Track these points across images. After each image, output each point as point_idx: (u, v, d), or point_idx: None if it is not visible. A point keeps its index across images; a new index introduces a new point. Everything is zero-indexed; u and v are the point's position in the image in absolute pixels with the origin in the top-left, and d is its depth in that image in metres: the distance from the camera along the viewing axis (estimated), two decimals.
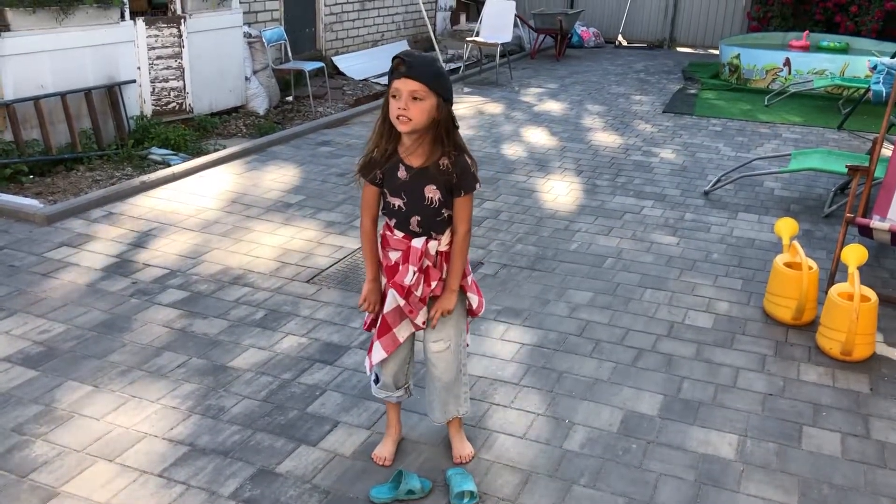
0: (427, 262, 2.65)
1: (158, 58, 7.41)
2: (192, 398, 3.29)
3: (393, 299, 2.69)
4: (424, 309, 2.72)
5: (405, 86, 2.39)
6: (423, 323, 2.74)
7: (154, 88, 7.44)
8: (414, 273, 2.63)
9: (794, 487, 2.89)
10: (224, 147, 7.13)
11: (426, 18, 11.47)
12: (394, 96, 2.43)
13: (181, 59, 7.60)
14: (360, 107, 8.85)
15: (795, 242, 4.22)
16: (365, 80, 10.60)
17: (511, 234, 5.26)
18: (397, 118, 2.43)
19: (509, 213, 5.64)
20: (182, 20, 7.50)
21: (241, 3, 8.44)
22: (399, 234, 2.65)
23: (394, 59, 2.42)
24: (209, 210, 5.46)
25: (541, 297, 4.35)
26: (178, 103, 7.69)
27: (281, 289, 4.32)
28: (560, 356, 3.74)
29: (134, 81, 7.21)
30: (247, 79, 8.54)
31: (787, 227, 4.36)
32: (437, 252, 2.66)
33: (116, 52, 7.02)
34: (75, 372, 3.45)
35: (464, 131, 7.91)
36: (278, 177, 6.29)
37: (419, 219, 2.61)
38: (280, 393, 3.35)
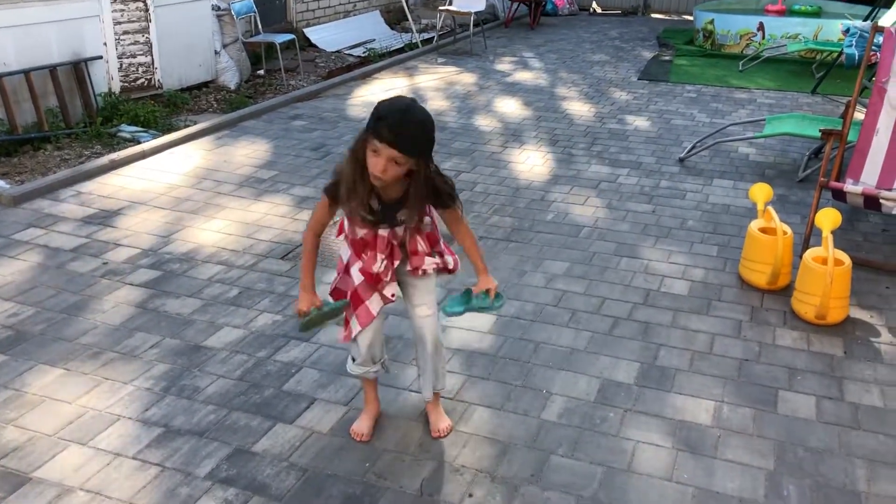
0: (393, 242, 2.65)
1: (125, 33, 7.25)
2: (166, 379, 3.25)
3: (357, 275, 2.69)
4: (394, 282, 2.73)
5: (388, 151, 2.33)
6: (393, 295, 2.73)
7: (122, 64, 7.28)
8: (382, 261, 2.63)
9: (770, 451, 2.91)
10: (195, 123, 7.01)
11: None
12: (374, 151, 2.35)
13: (148, 33, 7.44)
14: (332, 79, 8.73)
15: (770, 208, 4.22)
16: (337, 51, 10.46)
17: (487, 205, 5.22)
18: (376, 176, 2.39)
19: (485, 185, 5.61)
20: None
21: None
22: (362, 231, 2.63)
23: (379, 112, 2.33)
24: (180, 187, 5.37)
25: (518, 269, 4.33)
26: (146, 79, 7.55)
27: (254, 266, 4.27)
28: (537, 327, 3.73)
29: (101, 58, 7.05)
30: (216, 53, 8.39)
31: (761, 192, 4.36)
32: (405, 229, 2.64)
33: (81, 27, 6.85)
34: (46, 355, 3.39)
35: (438, 103, 7.87)
36: (250, 152, 6.20)
37: (389, 228, 2.62)
38: (255, 371, 3.32)
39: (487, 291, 2.74)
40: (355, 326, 2.75)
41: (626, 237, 4.76)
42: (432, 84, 8.69)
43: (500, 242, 4.65)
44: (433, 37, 10.98)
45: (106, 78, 7.16)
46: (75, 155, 6.19)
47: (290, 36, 9.15)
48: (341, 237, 2.78)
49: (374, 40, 10.97)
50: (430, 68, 9.47)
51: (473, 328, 3.70)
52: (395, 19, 12.25)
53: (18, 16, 6.28)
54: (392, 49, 10.55)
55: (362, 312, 2.73)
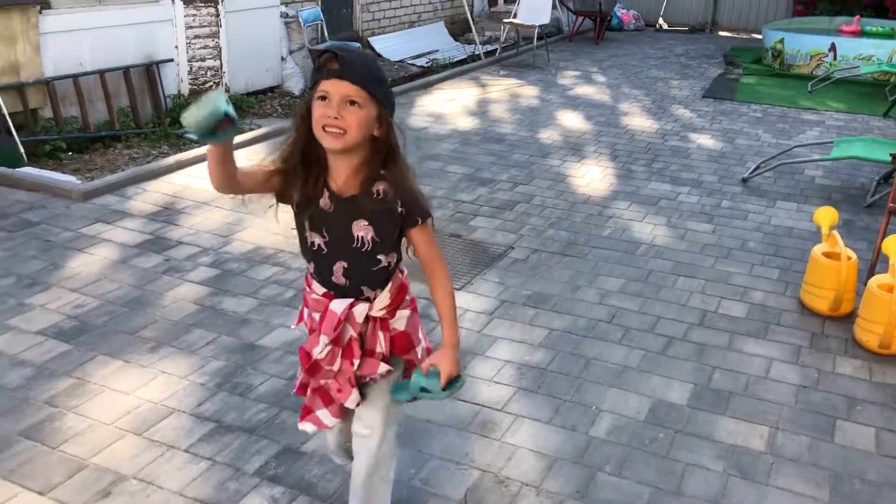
0: (351, 333, 2.05)
1: (196, 37, 7.45)
2: (220, 375, 3.31)
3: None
4: (355, 391, 2.11)
5: (337, 88, 1.83)
6: (358, 405, 2.14)
7: (191, 67, 7.48)
8: (326, 346, 2.03)
9: (826, 481, 2.82)
10: (259, 126, 7.16)
11: None
12: (321, 98, 1.86)
13: (218, 38, 7.64)
14: (394, 88, 8.81)
15: (835, 232, 4.11)
16: (400, 61, 10.56)
17: (543, 218, 5.20)
18: (324, 128, 1.86)
19: (542, 198, 5.59)
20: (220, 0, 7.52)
21: None
22: (319, 290, 2.06)
23: (321, 52, 1.88)
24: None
25: (571, 283, 4.30)
26: (214, 83, 7.73)
27: None
28: (589, 342, 3.70)
29: (172, 60, 7.26)
30: (283, 59, 8.56)
31: (826, 216, 4.25)
32: (367, 318, 2.05)
33: (155, 30, 7.06)
34: (107, 346, 3.49)
35: (498, 114, 7.89)
36: None
37: (345, 265, 2.01)
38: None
39: (438, 372, 1.99)
40: (307, 425, 2.26)
41: (684, 256, 4.69)
42: (494, 96, 8.71)
43: (554, 256, 4.63)
44: (496, 49, 11.01)
45: (176, 80, 7.37)
46: (143, 154, 6.37)
47: (356, 44, 9.28)
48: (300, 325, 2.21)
49: (437, 51, 11.05)
50: (492, 80, 9.50)
51: (525, 340, 3.69)
52: (459, 31, 12.32)
53: (96, 18, 6.51)
54: (455, 60, 10.61)
55: (312, 417, 2.23)
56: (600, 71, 10.34)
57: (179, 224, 4.86)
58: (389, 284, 2.07)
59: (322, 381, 2.13)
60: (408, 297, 2.16)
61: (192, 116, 1.71)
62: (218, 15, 7.56)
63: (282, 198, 2.02)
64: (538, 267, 4.49)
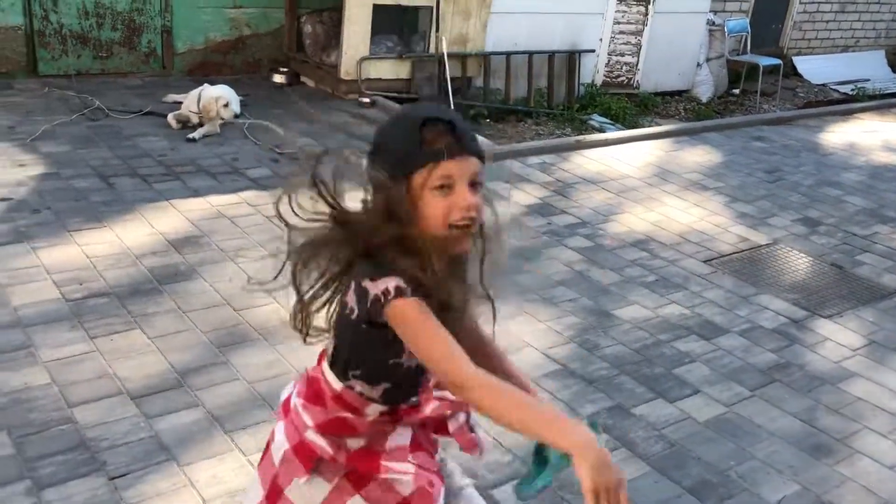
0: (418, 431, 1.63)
1: (620, 32, 7.88)
2: (574, 329, 3.65)
3: None
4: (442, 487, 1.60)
5: (464, 168, 1.42)
6: None
7: (609, 60, 7.94)
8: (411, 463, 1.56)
9: None
10: (658, 125, 7.38)
11: None
12: (441, 186, 1.40)
13: (641, 36, 7.98)
14: (808, 109, 8.42)
15: None
16: (823, 84, 9.98)
17: None
18: (459, 226, 1.42)
19: None
20: (651, 0, 7.84)
21: None
22: (374, 414, 1.56)
23: (426, 121, 1.41)
24: (630, 177, 5.77)
25: None
26: (627, 78, 8.12)
27: (676, 262, 4.48)
28: None
29: (594, 51, 7.78)
30: (698, 65, 8.65)
31: None
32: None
33: (584, 22, 7.63)
34: None
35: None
36: (703, 161, 6.37)
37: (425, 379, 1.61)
38: (652, 349, 3.56)
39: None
40: None
41: None
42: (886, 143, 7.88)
43: None
44: None
45: (592, 71, 7.88)
46: (548, 132, 6.98)
47: (777, 61, 9.01)
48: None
49: (868, 80, 10.22)
50: (882, 120, 8.58)
51: (887, 385, 3.47)
52: None
53: (537, 4, 7.23)
54: (886, 92, 9.73)
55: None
56: None
57: (567, 196, 5.30)
58: None
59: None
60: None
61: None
62: (647, 14, 7.89)
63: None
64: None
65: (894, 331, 3.96)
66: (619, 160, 6.15)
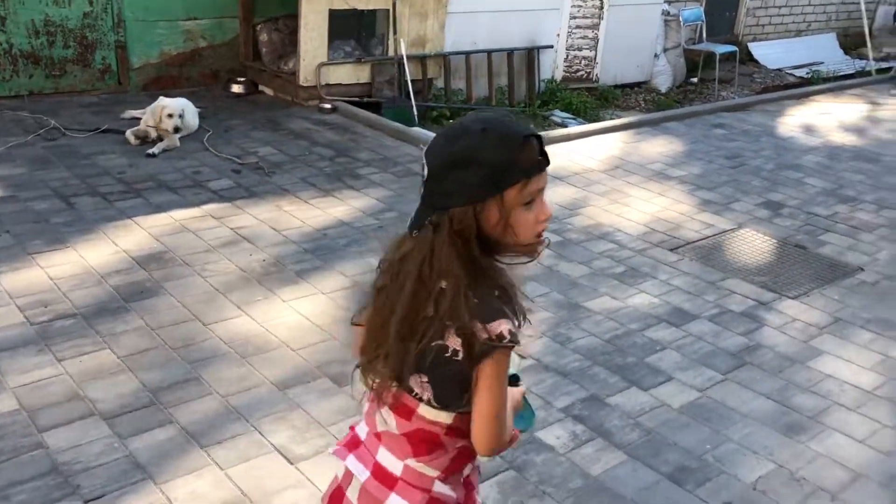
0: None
1: (577, 27, 7.93)
2: (546, 324, 3.67)
3: None
4: None
5: (546, 180, 1.41)
6: None
7: (567, 55, 7.99)
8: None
9: None
10: (619, 117, 7.44)
11: (864, 10, 10.51)
12: (528, 203, 1.37)
13: (597, 30, 8.04)
14: (765, 95, 8.54)
15: None
16: (779, 69, 10.13)
17: None
18: (539, 237, 1.43)
19: None
20: None
21: None
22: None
23: (524, 138, 1.35)
24: (594, 171, 5.82)
25: None
26: (586, 72, 8.17)
27: (644, 251, 4.52)
28: None
29: (551, 47, 7.82)
30: (655, 56, 8.73)
31: None
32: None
33: (541, 17, 7.67)
34: None
35: (874, 133, 7.36)
36: (665, 150, 6.43)
37: None
38: (624, 339, 3.59)
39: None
40: None
41: None
42: (878, 115, 8.03)
43: None
44: (891, 67, 10.05)
45: (551, 66, 7.93)
46: None
47: (733, 48, 9.13)
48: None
49: (821, 63, 10.39)
50: (878, 98, 8.74)
51: (854, 361, 3.53)
52: (851, 44, 11.41)
53: (492, 2, 7.25)
54: (840, 74, 9.91)
55: None
56: None
57: None
58: None
59: None
60: None
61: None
62: (602, 7, 7.96)
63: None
64: (888, 294, 4.20)
65: (859, 307, 4.04)
66: (582, 154, 6.19)
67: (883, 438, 3.01)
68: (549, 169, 1.40)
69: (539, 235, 1.41)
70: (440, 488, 1.49)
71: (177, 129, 5.40)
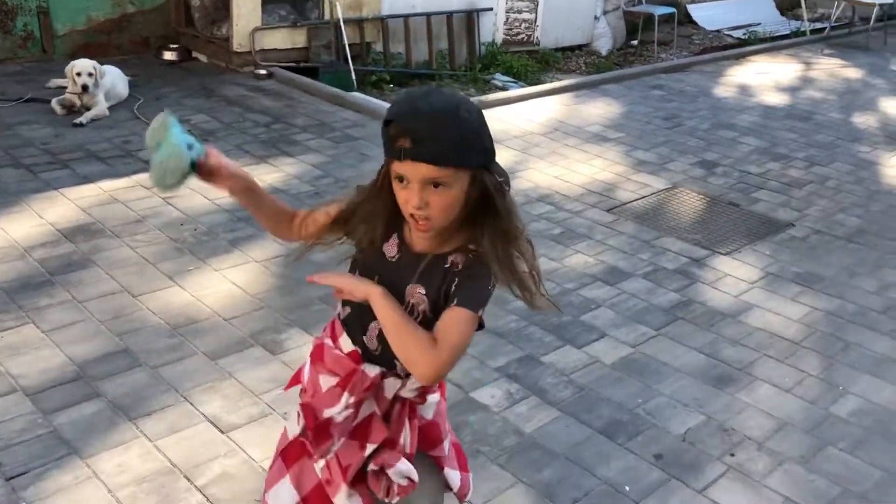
0: (374, 409, 1.63)
1: None
2: None
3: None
4: (344, 489, 1.63)
5: (416, 171, 1.42)
6: None
7: (507, 18, 7.94)
8: (346, 407, 1.59)
9: None
10: (560, 80, 7.44)
11: None
12: (399, 179, 1.46)
13: None
14: (703, 56, 8.63)
15: None
16: (717, 31, 10.23)
17: (835, 202, 4.92)
18: (411, 216, 1.47)
19: (838, 181, 5.26)
20: None
21: None
22: (347, 347, 1.64)
23: (386, 121, 1.43)
24: (533, 134, 5.82)
25: (850, 270, 4.08)
26: (526, 35, 8.14)
27: (581, 213, 4.55)
28: (853, 328, 3.53)
29: (491, 10, 7.76)
30: (595, 18, 8.74)
31: None
32: (395, 397, 1.64)
33: None
34: None
35: (809, 92, 7.45)
36: (604, 112, 6.46)
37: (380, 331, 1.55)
38: (560, 298, 3.61)
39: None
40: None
41: None
42: (811, 74, 8.18)
43: (838, 240, 4.40)
44: (825, 27, 10.22)
45: (492, 29, 7.87)
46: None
47: (671, 9, 9.16)
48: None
49: (758, 24, 10.52)
50: (812, 58, 8.89)
51: (782, 313, 3.62)
52: (787, 5, 11.57)
53: None
54: (776, 35, 10.05)
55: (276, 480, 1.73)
56: None
57: None
58: None
59: (318, 457, 1.64)
60: None
61: (157, 175, 1.51)
62: None
63: (349, 234, 1.64)
64: (817, 248, 4.30)
65: (788, 262, 4.13)
66: (521, 117, 6.18)
67: (808, 387, 3.10)
68: (493, 132, 1.49)
69: (412, 217, 1.47)
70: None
71: (84, 88, 5.19)
